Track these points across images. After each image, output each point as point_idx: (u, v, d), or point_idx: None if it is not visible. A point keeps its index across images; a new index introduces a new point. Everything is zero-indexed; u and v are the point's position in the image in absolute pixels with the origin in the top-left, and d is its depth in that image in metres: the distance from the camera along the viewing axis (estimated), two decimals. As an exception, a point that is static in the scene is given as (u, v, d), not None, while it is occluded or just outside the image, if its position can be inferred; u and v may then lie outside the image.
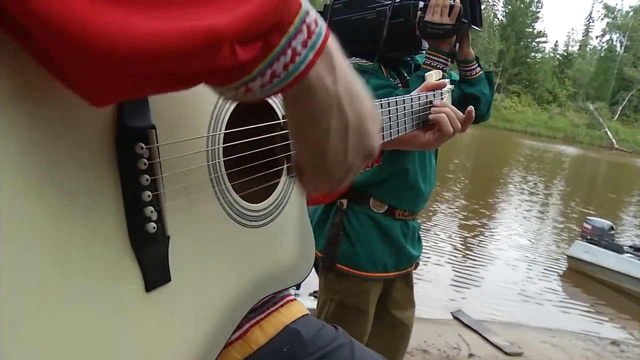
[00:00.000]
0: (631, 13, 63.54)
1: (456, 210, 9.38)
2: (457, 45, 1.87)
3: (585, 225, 7.40)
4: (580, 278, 6.73)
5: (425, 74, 1.23)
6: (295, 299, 0.96)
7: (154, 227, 0.59)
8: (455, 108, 1.16)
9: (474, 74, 1.94)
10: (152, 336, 0.59)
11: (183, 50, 0.41)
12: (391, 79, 1.92)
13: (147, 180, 0.58)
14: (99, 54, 0.38)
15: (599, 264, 6.71)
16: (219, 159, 0.70)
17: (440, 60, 1.81)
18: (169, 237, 0.61)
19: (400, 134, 1.05)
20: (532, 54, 62.88)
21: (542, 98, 59.09)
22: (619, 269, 6.54)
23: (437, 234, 7.42)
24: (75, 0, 0.36)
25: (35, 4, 0.36)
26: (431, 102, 1.15)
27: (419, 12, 1.81)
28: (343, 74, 0.55)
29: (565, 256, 7.23)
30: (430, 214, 8.39)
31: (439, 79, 1.25)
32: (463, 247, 7.13)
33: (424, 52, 1.88)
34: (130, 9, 0.39)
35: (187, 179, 0.65)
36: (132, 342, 0.57)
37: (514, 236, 8.35)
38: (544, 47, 65.26)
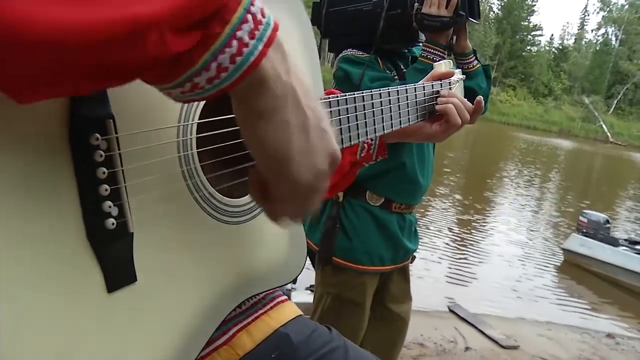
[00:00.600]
0: (626, 6, 63.60)
1: (452, 204, 9.38)
2: (455, 38, 1.85)
3: (581, 218, 7.42)
4: (576, 271, 6.76)
5: (435, 64, 1.19)
6: (287, 300, 0.93)
7: (113, 223, 0.55)
8: (463, 98, 1.12)
9: (471, 67, 1.92)
10: (116, 341, 0.56)
11: (103, 38, 0.38)
12: (388, 71, 1.91)
13: (104, 173, 0.54)
14: (10, 41, 0.35)
15: (594, 257, 6.73)
16: (191, 150, 0.65)
17: (437, 52, 1.80)
18: (132, 233, 0.57)
19: (403, 125, 1.00)
20: (528, 48, 62.93)
21: (537, 91, 59.17)
22: (615, 261, 6.57)
23: (433, 229, 7.42)
24: None
25: None
26: (438, 92, 1.11)
27: (416, 4, 1.79)
28: (294, 68, 0.52)
29: (561, 249, 7.24)
30: (426, 208, 8.39)
31: (449, 69, 1.21)
32: (459, 241, 7.13)
33: (421, 44, 1.87)
34: None
35: (154, 172, 0.60)
36: (95, 347, 0.53)
37: (510, 230, 8.36)
38: (540, 41, 65.46)
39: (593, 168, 24.11)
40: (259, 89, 0.50)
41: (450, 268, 6.00)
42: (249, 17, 0.46)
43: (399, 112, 0.98)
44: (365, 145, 1.10)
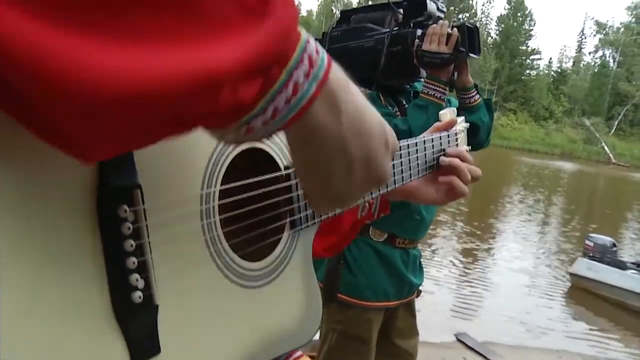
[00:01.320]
0: (622, 29, 64.13)
1: (455, 232, 9.34)
2: (456, 74, 1.86)
3: (587, 242, 7.38)
4: (585, 296, 6.69)
5: (439, 113, 1.19)
6: (302, 355, 0.90)
7: (140, 297, 0.54)
8: (469, 156, 1.09)
9: (473, 102, 1.93)
10: None
11: (179, 93, 0.37)
12: (389, 107, 1.92)
13: (132, 245, 0.52)
14: (81, 101, 0.34)
15: (602, 280, 6.67)
16: (214, 218, 0.64)
17: (438, 89, 1.81)
18: (157, 306, 0.56)
19: (410, 180, 0.98)
20: (527, 72, 63.30)
21: (538, 115, 59.34)
22: (623, 285, 6.51)
23: (437, 259, 7.38)
24: (48, 35, 0.32)
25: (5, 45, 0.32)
26: (444, 149, 1.07)
27: (416, 41, 1.81)
28: (349, 104, 0.52)
29: (569, 274, 7.19)
30: (429, 237, 8.35)
31: (453, 117, 1.19)
32: (464, 272, 7.07)
33: (422, 79, 1.88)
34: (117, 46, 0.35)
35: (178, 242, 0.59)
36: None
37: (515, 258, 8.30)
38: (539, 65, 65.88)
39: (597, 190, 24.03)
40: (307, 129, 0.50)
41: (456, 300, 5.93)
42: (305, 57, 0.46)
43: (409, 166, 0.96)
44: (367, 204, 1.08)
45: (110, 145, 0.41)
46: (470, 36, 1.82)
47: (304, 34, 0.46)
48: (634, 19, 63.72)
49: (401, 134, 1.80)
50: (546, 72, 66.60)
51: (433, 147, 1.04)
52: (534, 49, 64.08)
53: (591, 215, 14.63)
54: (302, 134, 0.51)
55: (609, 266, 6.78)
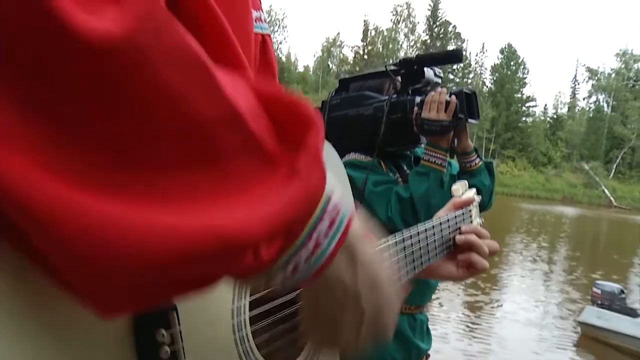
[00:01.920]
0: (613, 75, 65.12)
1: (459, 286, 9.23)
2: (456, 140, 1.88)
3: (595, 289, 7.28)
4: (595, 345, 6.56)
5: (452, 189, 1.19)
6: None
7: None
8: (484, 231, 1.09)
9: (473, 165, 1.95)
10: None
11: (203, 256, 0.37)
12: (391, 174, 1.93)
13: None
14: (106, 263, 0.34)
15: (613, 329, 6.55)
16: (245, 330, 0.64)
17: (438, 155, 1.82)
18: None
19: (428, 263, 0.98)
20: (524, 119, 63.93)
21: (537, 161, 59.61)
22: (636, 333, 6.38)
23: (443, 315, 7.27)
24: (61, 189, 0.33)
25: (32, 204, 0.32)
26: (459, 228, 1.07)
27: (415, 108, 1.84)
28: (365, 255, 0.53)
29: (577, 323, 7.07)
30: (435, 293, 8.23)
31: (465, 191, 1.19)
32: (471, 326, 6.96)
33: (422, 145, 1.90)
34: (144, 208, 0.35)
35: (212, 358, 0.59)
36: None
37: (522, 309, 8.18)
38: (534, 111, 66.52)
39: (600, 235, 23.91)
40: (322, 285, 0.51)
41: (464, 358, 5.81)
42: (326, 216, 0.47)
43: (428, 250, 0.96)
44: None
45: (131, 304, 0.40)
46: (468, 102, 1.85)
47: (327, 190, 0.47)
48: (623, 65, 64.84)
49: (403, 202, 1.81)
50: (542, 118, 67.20)
51: (449, 227, 1.05)
52: (529, 96, 64.93)
53: (596, 261, 14.50)
54: (316, 284, 0.51)
55: (619, 314, 6.68)
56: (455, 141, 1.89)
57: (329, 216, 0.47)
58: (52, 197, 0.32)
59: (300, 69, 68.42)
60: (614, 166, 58.27)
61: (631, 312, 6.74)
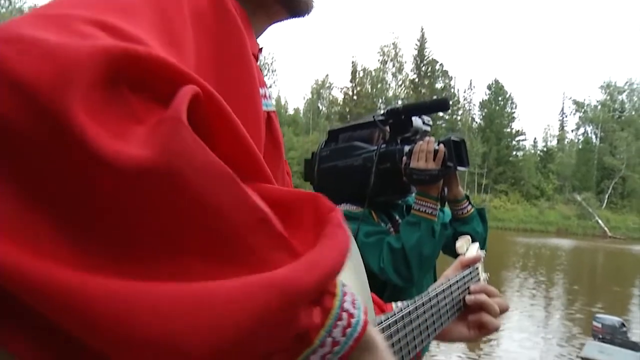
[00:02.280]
0: (599, 107, 65.94)
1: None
2: (446, 189, 1.89)
3: (595, 324, 7.20)
4: (600, 381, 6.45)
5: (456, 246, 1.19)
6: None
7: None
8: (493, 289, 1.08)
9: (465, 213, 1.95)
10: None
11: (268, 311, 0.38)
12: (383, 224, 1.92)
13: None
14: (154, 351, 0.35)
15: (616, 364, 6.46)
16: None
17: (429, 205, 1.82)
18: None
19: (443, 327, 0.97)
20: (514, 153, 64.37)
21: (529, 194, 59.74)
22: (639, 367, 6.30)
23: (442, 357, 7.16)
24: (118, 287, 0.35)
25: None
26: (468, 287, 1.08)
27: (404, 158, 1.84)
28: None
29: (580, 359, 6.97)
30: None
31: (469, 247, 1.18)
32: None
33: (414, 194, 1.90)
34: (172, 293, 0.36)
35: None
36: None
37: (522, 348, 8.05)
38: (524, 145, 67.01)
39: (597, 266, 23.82)
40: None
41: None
42: (346, 289, 0.48)
43: (440, 314, 0.95)
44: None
45: None
46: (457, 150, 1.86)
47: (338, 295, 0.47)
48: (608, 97, 65.76)
49: (395, 253, 1.80)
50: (532, 151, 67.68)
51: (459, 288, 1.05)
52: (518, 130, 65.48)
53: (595, 294, 14.39)
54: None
55: (622, 347, 6.59)
56: (446, 189, 1.89)
57: (343, 288, 0.48)
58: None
59: (291, 111, 68.96)
60: (606, 196, 58.47)
61: (634, 346, 6.66)
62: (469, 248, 1.19)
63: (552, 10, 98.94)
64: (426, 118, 2.00)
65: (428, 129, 2.00)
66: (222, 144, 0.44)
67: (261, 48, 0.83)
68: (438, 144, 1.82)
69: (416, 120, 1.94)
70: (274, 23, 0.87)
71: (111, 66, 0.37)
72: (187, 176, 0.37)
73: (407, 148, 1.87)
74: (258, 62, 0.80)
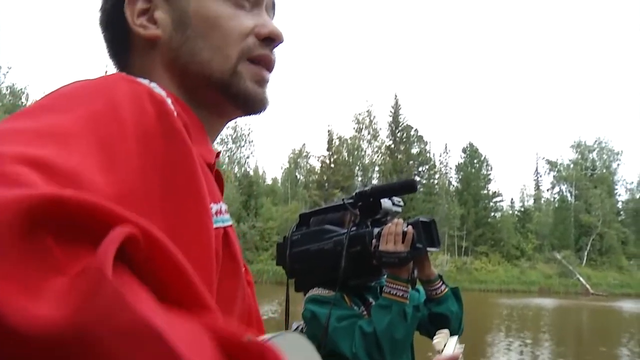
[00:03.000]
0: (572, 166, 67.33)
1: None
2: (415, 271, 1.89)
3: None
4: None
5: (433, 343, 1.19)
6: None
7: None
8: None
9: (439, 293, 1.95)
10: None
11: None
12: (355, 307, 1.92)
13: None
14: None
15: None
16: None
17: (400, 287, 1.82)
18: None
19: None
20: (492, 214, 64.86)
21: (510, 254, 59.82)
22: None
23: None
24: None
25: None
26: None
27: (374, 241, 1.86)
28: None
29: None
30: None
31: (447, 343, 1.17)
32: None
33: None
34: None
35: None
36: None
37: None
38: (502, 206, 67.63)
39: (582, 325, 23.68)
40: None
41: None
42: None
43: None
44: None
45: None
46: (426, 230, 1.88)
47: None
48: (579, 156, 67.32)
49: (367, 337, 1.79)
50: (510, 212, 68.31)
51: None
52: (495, 191, 66.22)
53: (582, 355, 14.25)
54: None
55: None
56: (416, 272, 1.89)
57: None
58: None
59: (269, 181, 69.20)
60: (585, 254, 58.85)
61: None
62: (446, 344, 1.18)
63: (521, 75, 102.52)
64: (396, 199, 2.03)
65: (399, 209, 2.03)
66: (162, 282, 0.41)
67: (218, 152, 0.85)
68: (407, 226, 1.84)
69: (385, 202, 1.96)
70: (229, 122, 0.90)
71: (32, 216, 0.35)
72: (105, 340, 0.33)
73: (376, 230, 1.88)
74: (216, 162, 0.82)
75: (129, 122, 0.57)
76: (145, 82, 0.68)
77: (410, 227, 1.84)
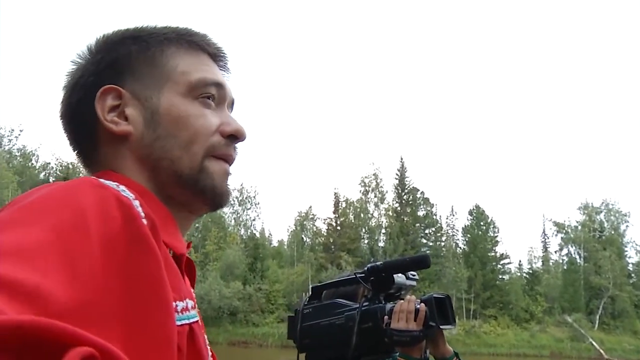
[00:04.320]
0: (579, 227, 66.75)
1: None
2: (427, 351, 1.86)
3: None
4: None
5: None
6: None
7: None
8: None
9: (455, 370, 1.92)
10: None
11: None
12: (367, 384, 1.88)
13: None
14: None
15: None
16: None
17: None
18: None
19: None
20: (500, 276, 63.87)
21: (519, 317, 58.64)
22: None
23: None
24: None
25: None
26: None
27: (385, 317, 1.83)
28: None
29: None
30: None
31: None
32: None
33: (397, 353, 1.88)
34: None
35: None
36: None
37: None
38: (510, 268, 66.69)
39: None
40: None
41: None
42: None
43: None
44: None
45: None
46: (440, 307, 1.85)
47: None
48: (587, 217, 66.83)
49: None
50: (518, 274, 67.32)
51: None
52: (502, 254, 65.45)
53: None
54: None
55: None
56: (428, 351, 1.86)
57: None
58: None
59: (275, 243, 68.89)
60: (597, 317, 57.61)
61: None
62: None
63: (527, 137, 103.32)
64: (411, 272, 2.01)
65: (413, 283, 2.00)
66: None
67: (189, 243, 0.89)
68: (420, 303, 1.82)
69: (399, 277, 1.93)
70: (198, 217, 0.95)
71: None
72: None
73: (389, 306, 1.86)
74: (188, 251, 0.86)
75: (94, 231, 0.59)
76: (113, 185, 0.70)
77: (422, 304, 1.81)
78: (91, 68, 0.87)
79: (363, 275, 1.96)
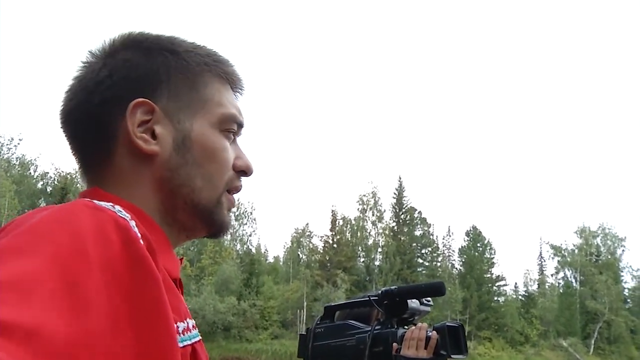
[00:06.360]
0: (576, 251, 66.56)
1: None
2: None
3: None
4: None
5: None
6: None
7: None
8: None
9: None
10: None
11: None
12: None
13: None
14: None
15: None
16: None
17: None
18: None
19: None
20: (496, 298, 63.52)
21: (514, 340, 58.24)
22: None
23: None
24: None
25: None
26: None
27: (395, 344, 1.81)
28: None
29: None
30: None
31: None
32: None
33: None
34: None
35: None
36: None
37: None
38: (505, 290, 66.38)
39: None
40: None
41: None
42: None
43: None
44: None
45: None
46: (453, 336, 1.84)
47: None
48: (584, 241, 66.71)
49: None
50: (514, 296, 67.04)
51: None
52: (498, 275, 65.19)
53: None
54: None
55: None
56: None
57: None
58: None
59: (271, 259, 68.61)
60: (593, 342, 57.28)
61: None
62: None
63: (524, 160, 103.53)
64: (425, 300, 1.97)
65: (428, 309, 1.98)
66: None
67: (181, 258, 0.89)
68: (432, 330, 1.81)
69: (412, 302, 1.91)
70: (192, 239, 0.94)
71: None
72: None
73: (401, 332, 1.85)
74: (182, 265, 0.88)
75: (93, 255, 0.58)
76: (108, 206, 0.68)
77: (434, 332, 1.80)
78: (122, 71, 0.82)
79: (377, 298, 1.95)
